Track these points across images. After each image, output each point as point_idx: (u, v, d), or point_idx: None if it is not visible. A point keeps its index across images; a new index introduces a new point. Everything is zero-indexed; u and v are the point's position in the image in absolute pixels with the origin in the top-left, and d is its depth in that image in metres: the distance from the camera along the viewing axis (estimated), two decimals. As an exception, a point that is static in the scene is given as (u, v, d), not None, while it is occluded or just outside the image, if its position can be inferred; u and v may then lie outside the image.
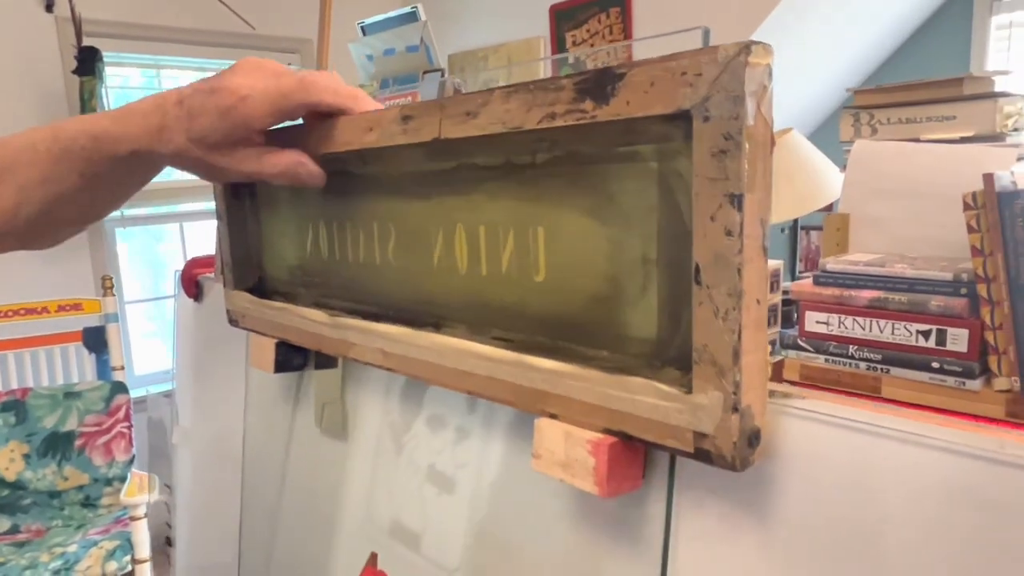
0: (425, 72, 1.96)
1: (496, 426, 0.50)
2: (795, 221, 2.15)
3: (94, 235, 2.37)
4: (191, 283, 0.78)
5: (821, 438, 0.34)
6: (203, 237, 2.68)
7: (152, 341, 2.71)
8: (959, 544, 0.30)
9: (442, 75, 1.90)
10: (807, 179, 2.10)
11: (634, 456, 0.37)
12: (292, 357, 0.60)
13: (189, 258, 0.81)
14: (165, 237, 2.93)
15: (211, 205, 2.73)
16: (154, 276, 2.88)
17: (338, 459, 0.61)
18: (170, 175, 2.68)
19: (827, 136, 2.74)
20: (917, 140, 1.10)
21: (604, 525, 0.42)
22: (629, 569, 0.41)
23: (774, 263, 0.87)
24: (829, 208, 2.00)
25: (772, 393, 0.35)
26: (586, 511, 0.43)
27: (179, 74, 2.62)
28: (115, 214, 2.38)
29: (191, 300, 0.80)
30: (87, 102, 2.08)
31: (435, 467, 0.55)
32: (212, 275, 0.76)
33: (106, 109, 2.21)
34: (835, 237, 0.88)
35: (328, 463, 0.63)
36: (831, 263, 0.72)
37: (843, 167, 0.93)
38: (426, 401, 0.57)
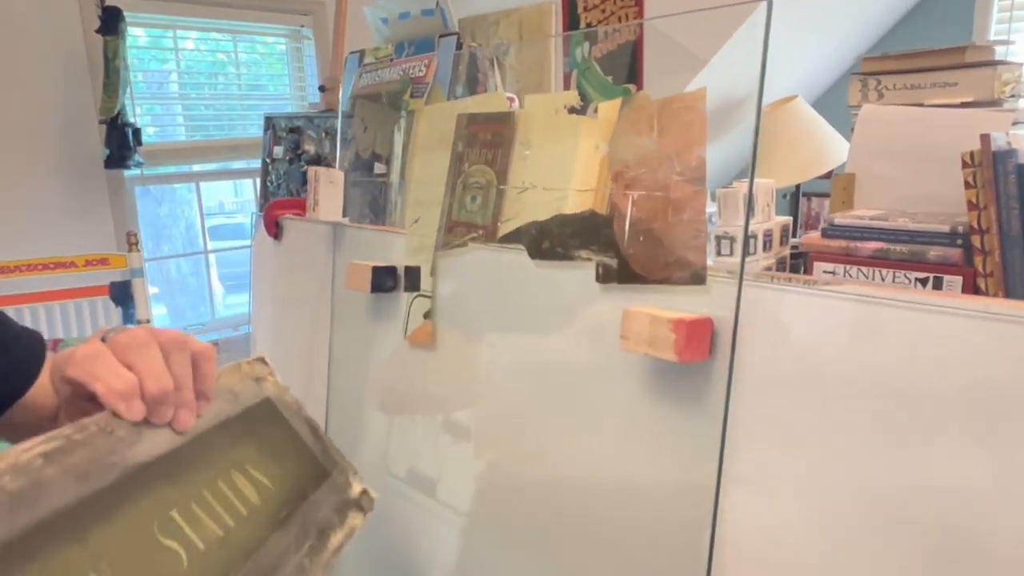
0: (441, 36, 2.00)
1: (571, 327, 0.58)
2: (797, 187, 2.21)
3: (115, 193, 2.43)
4: (272, 223, 0.86)
5: (856, 312, 0.43)
6: (217, 195, 2.73)
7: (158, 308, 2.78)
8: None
9: (458, 41, 1.94)
10: (810, 146, 2.16)
11: (704, 331, 0.46)
12: (385, 279, 0.68)
13: (271, 201, 0.88)
14: (165, 200, 2.98)
15: (230, 164, 2.76)
16: (155, 238, 2.93)
17: (428, 369, 0.69)
18: (191, 135, 2.72)
19: (835, 100, 2.78)
20: (921, 105, 1.16)
21: (678, 391, 0.51)
22: (696, 422, 0.50)
23: (783, 219, 0.94)
24: (829, 175, 2.06)
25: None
26: (664, 381, 0.52)
27: (195, 35, 2.65)
28: (134, 172, 2.43)
29: (271, 240, 0.87)
30: (111, 61, 2.12)
31: (521, 362, 0.62)
32: (292, 215, 0.83)
33: (128, 70, 2.24)
34: (842, 195, 0.95)
35: (416, 372, 0.70)
36: (838, 218, 0.78)
37: (851, 129, 0.99)
38: (510, 312, 0.65)
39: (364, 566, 0.81)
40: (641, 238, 0.53)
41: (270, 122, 2.47)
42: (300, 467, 0.47)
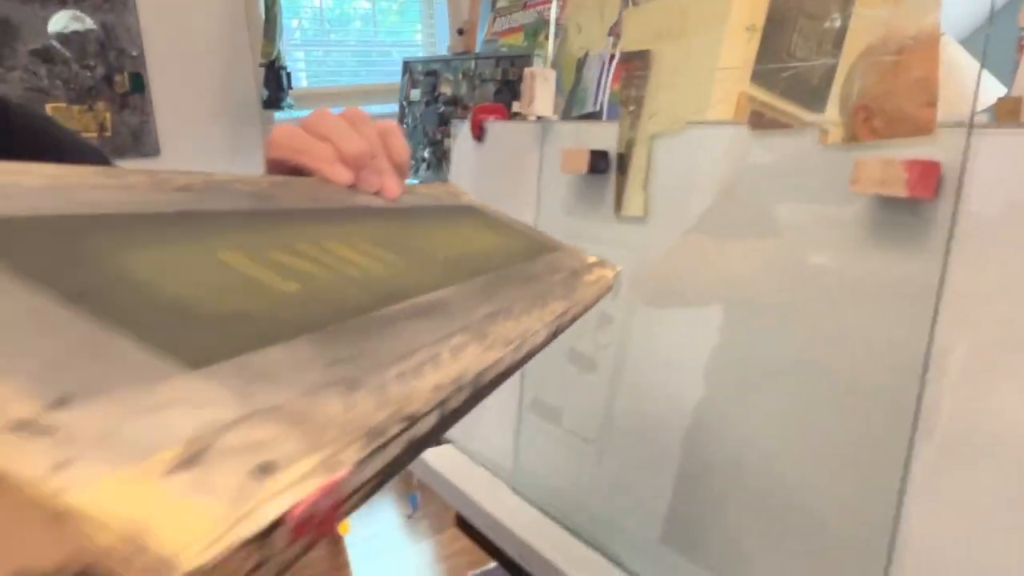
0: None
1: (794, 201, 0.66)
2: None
3: (269, 133, 2.63)
4: (477, 126, 0.97)
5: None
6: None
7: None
8: None
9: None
10: (955, 86, 2.10)
11: (933, 172, 0.53)
12: (599, 161, 0.77)
13: (475, 107, 0.99)
14: None
15: (373, 109, 2.92)
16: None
17: (639, 240, 0.79)
18: (331, 80, 2.86)
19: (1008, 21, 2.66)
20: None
21: (900, 233, 0.58)
22: (915, 265, 0.57)
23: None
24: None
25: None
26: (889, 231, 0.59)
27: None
28: (286, 115, 2.62)
29: (472, 143, 0.99)
30: (270, 8, 2.29)
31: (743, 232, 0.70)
32: (495, 119, 0.94)
33: (282, 16, 2.41)
34: (1005, 118, 0.97)
35: (629, 243, 0.80)
36: None
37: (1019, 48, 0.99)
38: (727, 191, 0.73)
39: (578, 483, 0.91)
40: (870, 97, 0.60)
41: (408, 67, 2.61)
42: (521, 242, 0.46)
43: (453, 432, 1.07)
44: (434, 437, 0.22)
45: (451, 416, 0.23)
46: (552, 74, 0.86)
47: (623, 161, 0.79)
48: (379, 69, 2.96)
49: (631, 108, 0.79)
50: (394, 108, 2.73)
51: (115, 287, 0.19)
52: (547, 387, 0.93)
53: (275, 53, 2.35)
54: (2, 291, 0.17)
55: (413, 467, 1.07)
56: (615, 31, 0.85)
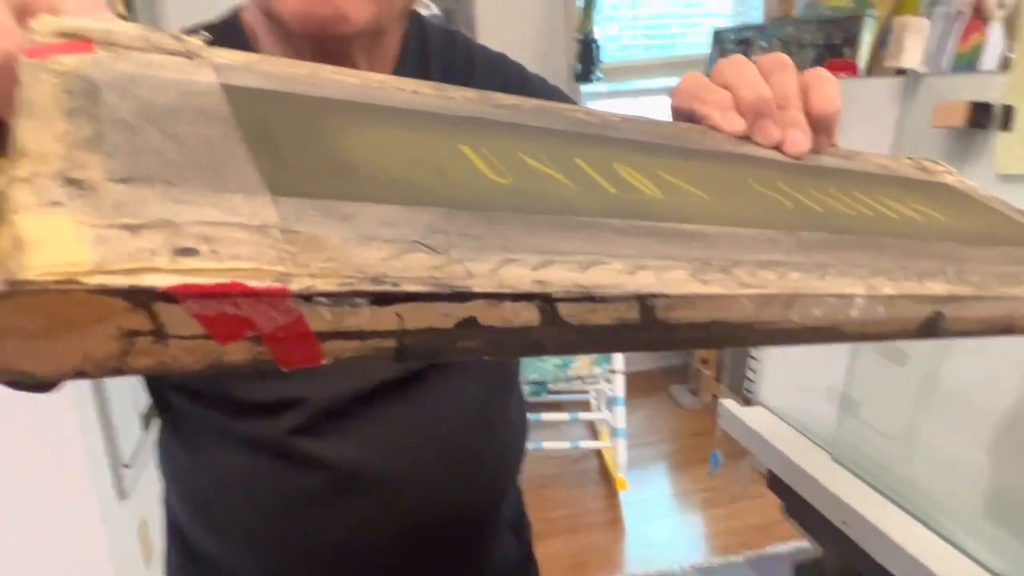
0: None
1: None
2: None
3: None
4: None
5: None
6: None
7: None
8: None
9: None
10: None
11: None
12: (981, 114, 0.72)
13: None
14: None
15: (676, 81, 2.91)
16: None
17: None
18: (633, 54, 2.91)
19: None
20: None
21: None
22: None
23: None
24: None
25: None
26: None
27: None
28: (593, 87, 2.73)
29: None
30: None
31: None
32: (845, 76, 0.91)
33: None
34: None
35: None
36: None
37: None
38: None
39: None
40: None
41: (718, 36, 2.56)
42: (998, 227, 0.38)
43: (769, 396, 1.07)
44: (549, 345, 0.20)
45: (577, 333, 0.20)
46: (926, 24, 0.81)
47: (1008, 114, 0.72)
48: (683, 41, 2.95)
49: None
50: (699, 79, 2.70)
51: (303, 143, 0.22)
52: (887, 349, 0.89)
53: (590, 28, 2.47)
54: (215, 126, 0.21)
55: (722, 421, 1.09)
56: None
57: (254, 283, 0.15)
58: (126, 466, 1.48)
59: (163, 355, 0.15)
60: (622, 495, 2.34)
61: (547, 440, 2.42)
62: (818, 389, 0.97)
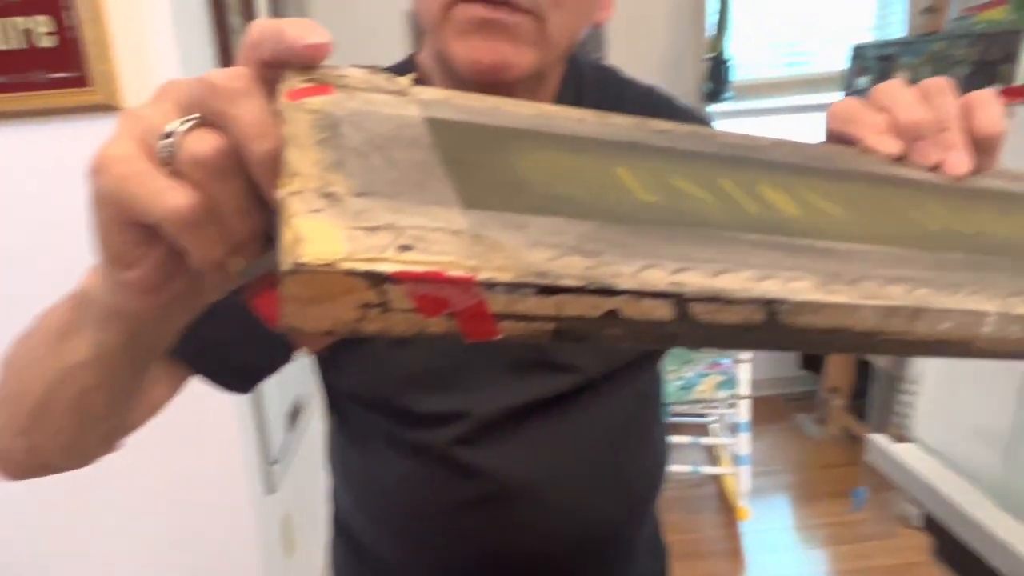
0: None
1: None
2: None
3: (703, 125, 2.74)
4: None
5: None
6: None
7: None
8: None
9: None
10: None
11: None
12: None
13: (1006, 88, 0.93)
14: None
15: (810, 99, 2.83)
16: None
17: None
18: (762, 73, 2.85)
19: None
20: None
21: None
22: None
23: None
24: None
25: None
26: None
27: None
28: (716, 107, 2.69)
29: None
30: (723, 3, 2.38)
31: None
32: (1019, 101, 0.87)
33: (732, 10, 2.47)
34: None
35: None
36: None
37: None
38: None
39: None
40: None
41: (857, 52, 2.47)
42: None
43: (925, 432, 1.02)
44: (682, 337, 0.23)
45: (706, 329, 0.22)
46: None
47: None
48: (819, 57, 2.85)
49: None
50: (836, 98, 2.61)
51: (488, 164, 0.27)
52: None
53: (722, 47, 2.43)
54: (422, 151, 0.26)
55: (870, 457, 1.04)
56: None
57: (452, 272, 0.20)
58: (274, 462, 1.59)
59: (386, 321, 0.20)
60: (742, 525, 2.27)
61: (665, 462, 2.38)
62: (980, 428, 0.92)
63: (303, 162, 0.23)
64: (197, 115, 0.27)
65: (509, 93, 0.57)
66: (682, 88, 2.62)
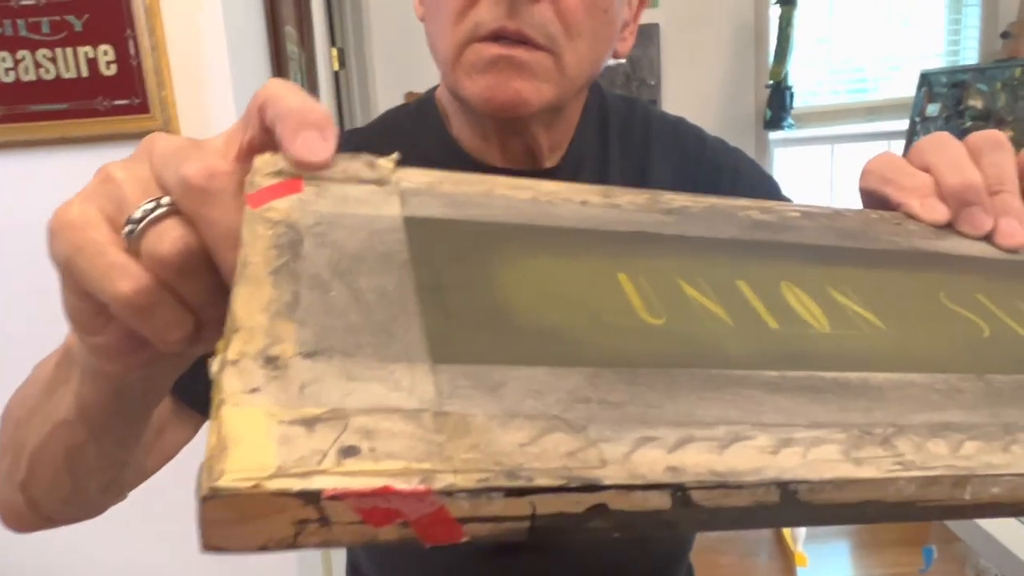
0: None
1: None
2: None
3: (762, 154, 2.67)
4: None
5: None
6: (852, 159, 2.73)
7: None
8: None
9: None
10: None
11: None
12: None
13: None
14: (799, 164, 3.08)
15: (874, 127, 2.74)
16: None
17: None
18: (827, 100, 2.77)
19: None
20: None
21: None
22: None
23: None
24: None
25: None
26: None
27: None
28: (776, 135, 2.62)
29: None
30: (784, 29, 2.32)
31: None
32: None
33: (794, 36, 2.41)
34: None
35: None
36: None
37: None
38: None
39: None
40: None
41: (926, 79, 2.37)
42: None
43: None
44: (681, 524, 0.19)
45: (711, 514, 0.19)
46: None
47: None
48: (885, 83, 2.76)
49: None
50: (902, 126, 2.51)
51: (469, 286, 0.24)
52: None
53: (783, 74, 2.37)
54: (393, 273, 0.23)
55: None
56: None
57: (402, 486, 0.17)
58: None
59: (328, 535, 0.18)
60: (800, 572, 2.16)
61: (718, 502, 2.29)
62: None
63: (251, 307, 0.21)
64: (170, 201, 0.25)
65: (526, 127, 0.55)
66: (742, 115, 2.57)
